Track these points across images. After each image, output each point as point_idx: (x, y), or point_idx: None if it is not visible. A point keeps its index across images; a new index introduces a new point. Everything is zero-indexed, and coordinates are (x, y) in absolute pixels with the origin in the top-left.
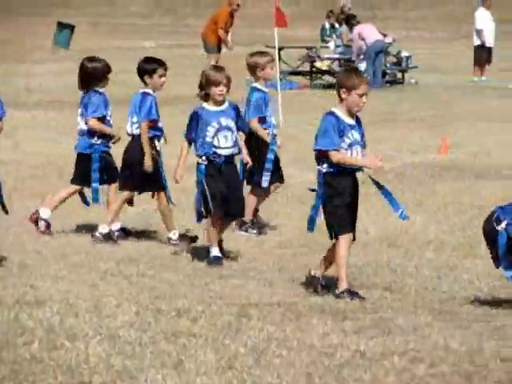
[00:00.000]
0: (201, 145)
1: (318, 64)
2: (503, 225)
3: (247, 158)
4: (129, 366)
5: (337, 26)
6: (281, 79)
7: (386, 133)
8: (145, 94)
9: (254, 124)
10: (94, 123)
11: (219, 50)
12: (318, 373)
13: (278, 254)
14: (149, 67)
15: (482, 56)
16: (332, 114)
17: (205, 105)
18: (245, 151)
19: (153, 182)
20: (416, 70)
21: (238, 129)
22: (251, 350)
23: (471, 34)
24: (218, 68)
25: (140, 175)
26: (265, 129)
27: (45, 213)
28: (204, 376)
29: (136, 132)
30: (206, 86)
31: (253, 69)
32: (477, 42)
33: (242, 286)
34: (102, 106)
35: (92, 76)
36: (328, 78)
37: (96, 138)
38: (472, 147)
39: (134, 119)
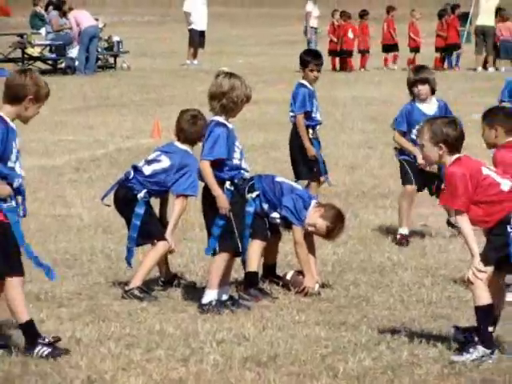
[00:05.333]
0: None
1: (29, 50)
2: (254, 194)
3: None
4: None
5: (45, 12)
6: None
7: (99, 118)
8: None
9: None
10: None
11: None
12: (33, 361)
13: None
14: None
15: (195, 39)
16: None
17: None
18: None
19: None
20: (128, 55)
21: None
22: None
23: (183, 17)
24: None
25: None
26: None
27: None
28: None
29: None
30: None
31: None
32: (189, 25)
33: None
34: None
35: None
36: (40, 65)
37: None
38: None
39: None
